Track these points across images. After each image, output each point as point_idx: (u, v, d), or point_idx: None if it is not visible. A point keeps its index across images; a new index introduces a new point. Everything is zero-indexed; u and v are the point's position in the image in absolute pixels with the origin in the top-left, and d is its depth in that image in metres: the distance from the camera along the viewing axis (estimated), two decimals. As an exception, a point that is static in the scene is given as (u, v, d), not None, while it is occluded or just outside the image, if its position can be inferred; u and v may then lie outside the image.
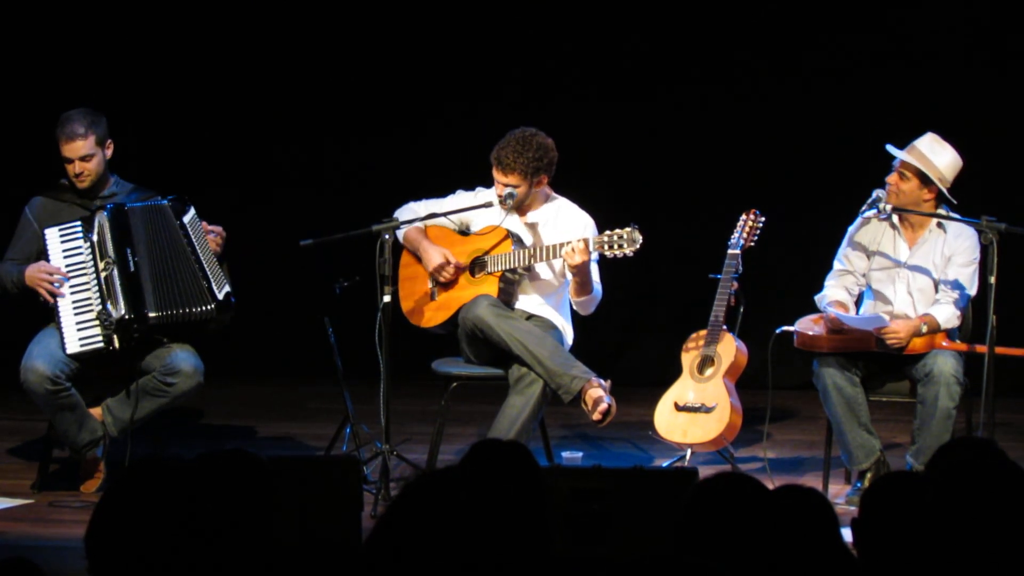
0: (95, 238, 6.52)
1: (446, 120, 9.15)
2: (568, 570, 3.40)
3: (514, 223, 6.73)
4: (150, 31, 9.19)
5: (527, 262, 6.63)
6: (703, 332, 6.78)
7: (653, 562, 2.75)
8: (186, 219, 6.59)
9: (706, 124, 9.03)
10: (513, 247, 6.66)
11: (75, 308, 6.48)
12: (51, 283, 6.47)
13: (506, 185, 6.61)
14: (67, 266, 6.53)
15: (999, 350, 6.24)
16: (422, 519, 2.85)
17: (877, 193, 6.54)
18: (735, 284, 6.73)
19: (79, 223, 6.57)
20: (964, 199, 6.56)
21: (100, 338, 6.44)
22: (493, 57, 9.15)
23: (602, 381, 6.42)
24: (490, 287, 6.67)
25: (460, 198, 6.83)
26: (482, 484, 2.90)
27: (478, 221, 6.79)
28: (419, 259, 6.82)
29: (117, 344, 6.43)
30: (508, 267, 6.66)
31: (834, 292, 6.66)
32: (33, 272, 6.50)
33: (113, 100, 7.39)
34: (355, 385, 6.91)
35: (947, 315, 6.47)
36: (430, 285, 6.80)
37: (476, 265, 6.73)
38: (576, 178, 7.20)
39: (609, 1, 9.10)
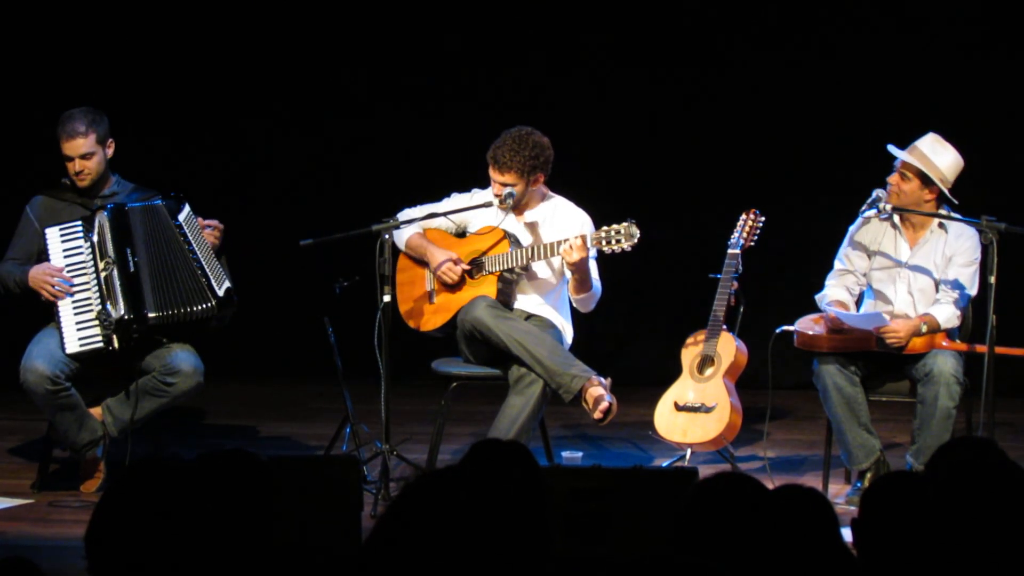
0: (95, 238, 6.53)
1: (446, 120, 9.15)
2: (568, 570, 3.40)
3: (511, 223, 6.73)
4: (150, 31, 9.19)
5: (525, 261, 6.63)
6: (703, 332, 6.78)
7: (653, 562, 2.75)
8: (181, 217, 6.59)
9: (706, 123, 9.03)
10: (510, 247, 6.66)
11: (75, 308, 6.49)
12: (54, 285, 6.47)
13: (503, 184, 6.61)
14: (67, 265, 6.53)
15: (999, 350, 6.24)
16: (422, 519, 2.85)
17: (877, 193, 6.54)
18: (735, 284, 6.73)
19: (79, 223, 6.57)
20: (964, 199, 6.56)
21: (99, 338, 6.45)
22: (493, 57, 9.15)
23: (602, 379, 6.42)
24: (488, 287, 6.67)
25: (457, 200, 6.84)
26: (482, 484, 2.89)
27: (476, 222, 6.80)
28: (418, 263, 6.82)
29: (116, 344, 6.44)
30: (506, 267, 6.66)
31: (835, 292, 6.66)
32: (37, 273, 6.50)
33: (113, 100, 7.38)
34: (355, 385, 6.91)
35: (947, 315, 6.47)
36: (428, 288, 6.80)
37: (474, 266, 6.74)
38: (576, 178, 7.21)
39: (609, 1, 9.11)
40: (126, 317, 6.43)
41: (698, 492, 3.37)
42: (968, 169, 6.57)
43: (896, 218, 6.61)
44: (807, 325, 6.55)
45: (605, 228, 6.46)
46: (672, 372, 6.83)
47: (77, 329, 6.46)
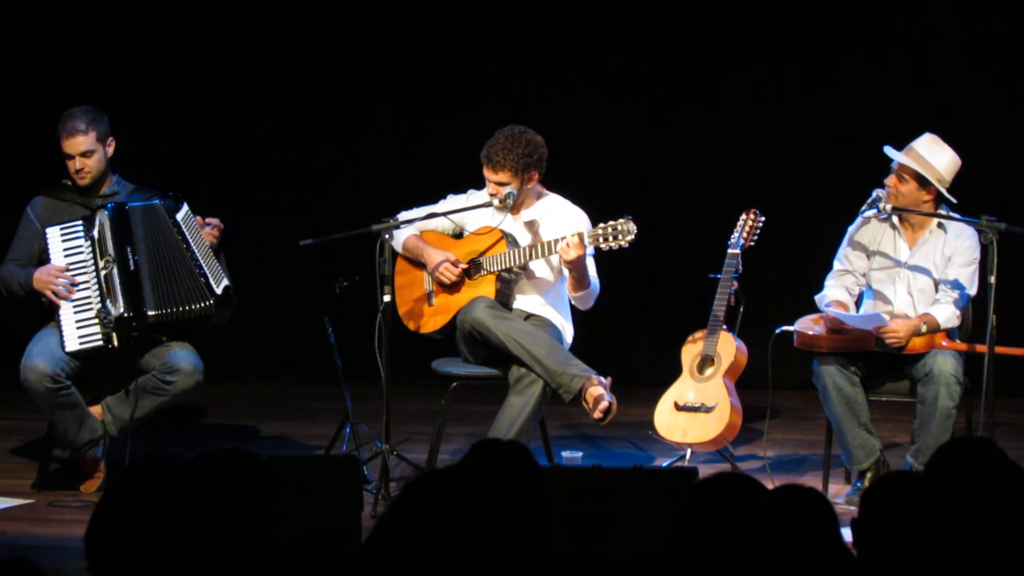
0: (95, 236, 6.53)
1: (447, 120, 9.15)
2: (568, 570, 3.40)
3: (508, 222, 6.73)
4: (150, 31, 9.19)
5: (523, 260, 6.63)
6: (703, 332, 6.78)
7: (653, 562, 2.75)
8: (179, 216, 6.59)
9: (706, 124, 9.03)
10: (508, 247, 6.66)
11: (75, 306, 6.49)
12: (58, 286, 6.47)
13: (498, 183, 6.61)
14: (67, 265, 6.54)
15: (999, 350, 6.24)
16: (422, 519, 2.85)
17: (877, 193, 6.54)
18: (735, 284, 6.73)
19: (80, 222, 6.57)
20: (964, 199, 6.56)
21: (99, 336, 6.45)
22: (492, 56, 9.15)
23: (602, 379, 6.41)
24: (487, 288, 6.66)
25: (453, 201, 6.84)
26: (482, 484, 2.89)
27: (473, 223, 6.79)
28: (416, 265, 6.82)
29: (116, 342, 6.44)
30: (504, 267, 6.66)
31: (834, 292, 6.66)
32: (41, 275, 6.51)
33: (113, 100, 7.38)
34: (355, 385, 6.91)
35: (947, 315, 6.46)
36: (426, 289, 6.79)
37: (472, 266, 6.73)
38: (575, 178, 7.21)
39: (608, 1, 9.10)
40: (126, 315, 6.43)
41: (698, 492, 3.37)
42: (968, 169, 6.56)
43: (895, 218, 6.61)
44: (807, 325, 6.54)
45: (602, 225, 6.47)
46: (672, 372, 6.83)
47: (77, 327, 6.46)
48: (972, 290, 6.54)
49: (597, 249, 6.56)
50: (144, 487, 3.31)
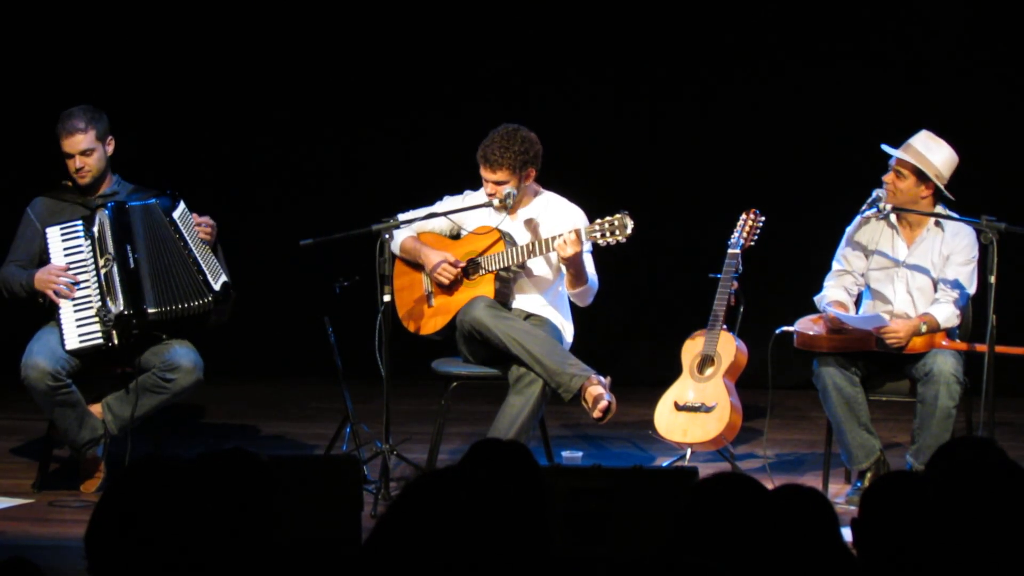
0: (96, 235, 6.53)
1: (447, 120, 9.15)
2: (568, 570, 3.40)
3: (505, 221, 6.73)
4: (150, 31, 9.19)
5: (521, 259, 6.63)
6: (703, 332, 6.78)
7: (653, 562, 2.75)
8: (176, 214, 6.60)
9: (706, 124, 9.03)
10: (506, 246, 6.66)
11: (75, 305, 6.49)
12: (59, 285, 6.47)
13: (496, 182, 6.61)
14: (68, 264, 6.54)
15: (999, 349, 6.24)
16: (422, 519, 2.85)
17: (877, 193, 6.54)
18: (735, 284, 6.74)
19: (80, 222, 6.58)
20: (964, 198, 6.56)
21: (99, 334, 6.45)
22: (492, 56, 9.15)
23: (602, 378, 6.41)
24: (486, 287, 6.67)
25: (449, 202, 6.84)
26: (482, 484, 2.90)
27: (471, 223, 6.79)
28: (414, 267, 6.81)
29: (116, 340, 6.44)
30: (502, 266, 6.66)
31: (833, 292, 6.66)
32: (42, 275, 6.51)
33: (113, 100, 7.38)
34: (355, 385, 6.91)
35: (947, 314, 6.47)
36: (425, 291, 6.79)
37: (471, 266, 6.73)
38: (575, 178, 7.20)
39: (608, 1, 9.11)
40: (126, 313, 6.44)
41: (698, 492, 3.37)
42: (967, 169, 6.56)
43: (893, 217, 6.61)
44: (807, 325, 6.54)
45: (599, 221, 6.47)
46: (672, 372, 6.83)
47: (77, 326, 6.46)
48: (971, 289, 6.54)
49: (595, 245, 6.56)
50: (144, 487, 3.30)
